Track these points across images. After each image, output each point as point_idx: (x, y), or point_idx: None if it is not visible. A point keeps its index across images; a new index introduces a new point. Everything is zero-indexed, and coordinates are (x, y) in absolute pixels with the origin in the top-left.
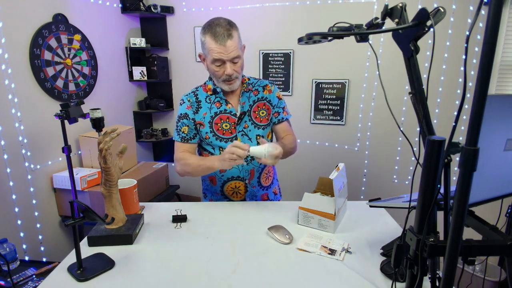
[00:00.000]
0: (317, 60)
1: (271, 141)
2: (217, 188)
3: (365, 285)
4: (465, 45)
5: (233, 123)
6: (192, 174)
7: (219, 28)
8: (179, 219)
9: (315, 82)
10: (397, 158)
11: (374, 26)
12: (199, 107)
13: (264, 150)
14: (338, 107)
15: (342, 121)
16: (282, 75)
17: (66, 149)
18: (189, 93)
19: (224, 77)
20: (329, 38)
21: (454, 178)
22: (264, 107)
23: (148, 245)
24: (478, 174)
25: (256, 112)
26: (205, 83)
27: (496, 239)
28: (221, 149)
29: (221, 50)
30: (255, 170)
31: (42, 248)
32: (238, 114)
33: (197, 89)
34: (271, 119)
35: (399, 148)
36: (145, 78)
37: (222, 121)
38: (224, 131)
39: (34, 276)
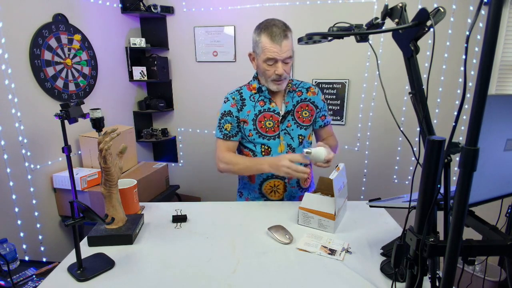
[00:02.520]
0: (317, 60)
1: (311, 144)
2: (255, 186)
3: (365, 285)
4: (465, 45)
5: (276, 122)
6: (237, 174)
7: (275, 28)
8: (179, 219)
9: (315, 82)
10: (397, 158)
11: (374, 26)
12: (243, 105)
13: (325, 151)
14: (338, 107)
15: (342, 121)
16: None
17: (66, 149)
18: (234, 92)
19: (274, 76)
20: (329, 38)
21: (454, 178)
22: (307, 108)
23: (148, 245)
24: (478, 174)
25: (299, 112)
26: (249, 83)
27: (496, 239)
28: (263, 146)
29: (276, 49)
30: None
31: (42, 248)
32: (281, 112)
33: (241, 88)
34: (314, 121)
35: (399, 148)
36: (145, 78)
37: (265, 119)
38: (267, 129)
39: (34, 276)
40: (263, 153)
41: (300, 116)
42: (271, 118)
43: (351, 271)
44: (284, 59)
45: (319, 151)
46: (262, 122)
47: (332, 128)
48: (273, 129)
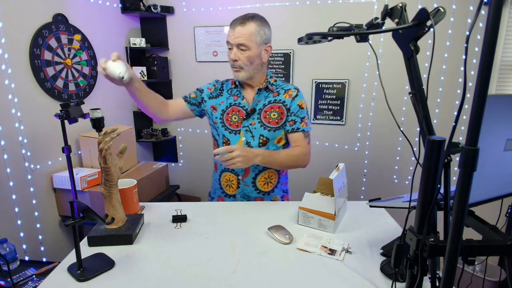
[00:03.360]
0: (317, 60)
1: (284, 146)
2: (216, 177)
3: (365, 285)
4: (465, 45)
5: (241, 117)
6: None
7: (241, 16)
8: (179, 219)
9: (315, 82)
10: (397, 158)
11: (374, 26)
12: (219, 95)
13: (120, 68)
14: (338, 107)
15: (342, 121)
16: (282, 75)
17: (66, 149)
18: (219, 80)
19: (230, 62)
20: (329, 38)
21: (454, 178)
22: (278, 109)
23: (148, 245)
24: (478, 174)
25: (267, 113)
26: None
27: (496, 239)
28: (224, 137)
29: (230, 34)
30: (250, 170)
31: (42, 248)
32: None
33: (227, 80)
34: (284, 125)
35: (399, 148)
36: (145, 78)
37: (233, 112)
38: (231, 123)
39: (34, 276)
40: (224, 145)
41: (267, 117)
42: (238, 113)
43: (351, 271)
44: (238, 45)
45: (113, 68)
46: (229, 115)
47: (305, 138)
48: (236, 124)
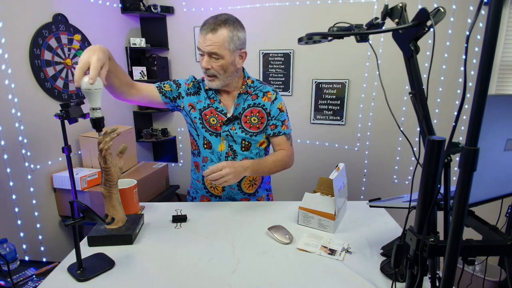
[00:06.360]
0: (317, 60)
1: (266, 148)
2: (199, 176)
3: (365, 285)
4: (465, 45)
5: (220, 121)
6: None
7: (211, 20)
8: (179, 219)
9: (315, 82)
10: (397, 158)
11: (374, 26)
12: (197, 93)
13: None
14: (338, 107)
15: (342, 121)
16: (282, 75)
17: (66, 149)
18: (197, 79)
19: (203, 69)
20: (329, 38)
21: (454, 178)
22: (258, 114)
23: (148, 245)
24: (478, 174)
25: (248, 117)
26: None
27: (496, 239)
28: (205, 139)
29: (201, 40)
30: None
31: (42, 248)
32: (229, 114)
33: (203, 80)
34: (265, 129)
35: (399, 148)
36: (145, 78)
37: (211, 114)
38: (210, 125)
39: (34, 276)
40: (205, 146)
41: (248, 121)
42: (216, 116)
43: (351, 271)
44: (210, 53)
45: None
46: (208, 116)
47: (288, 140)
48: (215, 127)
